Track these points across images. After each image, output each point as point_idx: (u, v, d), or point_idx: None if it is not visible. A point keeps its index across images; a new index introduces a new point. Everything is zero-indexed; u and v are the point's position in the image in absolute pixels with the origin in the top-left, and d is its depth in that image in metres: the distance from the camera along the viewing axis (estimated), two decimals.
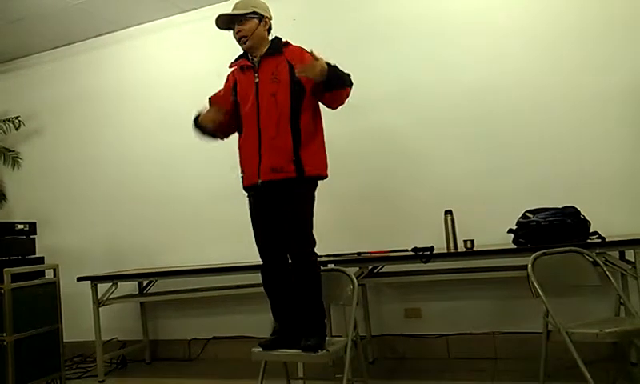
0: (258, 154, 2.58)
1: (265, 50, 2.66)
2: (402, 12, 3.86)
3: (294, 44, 2.70)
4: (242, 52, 2.74)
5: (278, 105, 2.55)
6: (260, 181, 2.57)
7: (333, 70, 2.48)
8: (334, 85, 2.51)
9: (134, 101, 4.65)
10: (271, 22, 2.73)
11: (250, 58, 2.70)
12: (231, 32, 2.71)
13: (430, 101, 3.74)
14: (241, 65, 2.71)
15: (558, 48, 3.47)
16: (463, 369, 3.37)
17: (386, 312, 3.79)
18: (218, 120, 2.68)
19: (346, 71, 2.56)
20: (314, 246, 2.58)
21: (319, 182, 2.66)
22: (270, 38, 2.72)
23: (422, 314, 3.70)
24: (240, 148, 2.71)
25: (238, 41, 2.68)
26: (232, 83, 2.76)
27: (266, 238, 2.64)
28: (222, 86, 2.84)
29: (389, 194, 3.76)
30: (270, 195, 2.59)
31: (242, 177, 2.70)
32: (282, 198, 2.56)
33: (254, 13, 2.65)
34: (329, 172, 2.68)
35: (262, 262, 2.67)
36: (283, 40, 2.71)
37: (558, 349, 2.45)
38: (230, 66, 2.78)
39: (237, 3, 2.69)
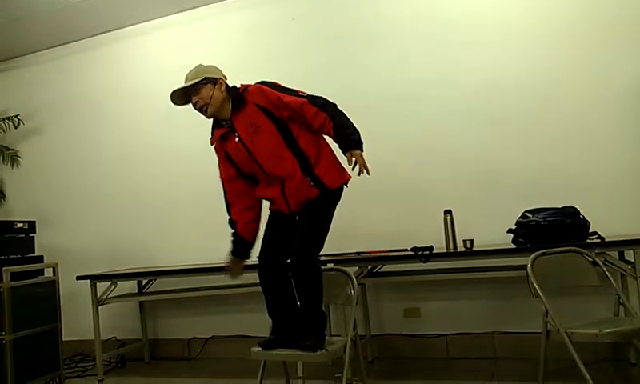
0: (283, 198, 2.63)
1: (230, 107, 2.62)
2: (404, 12, 3.85)
3: (250, 84, 2.65)
4: (213, 119, 2.71)
5: (272, 148, 2.57)
6: (292, 212, 2.65)
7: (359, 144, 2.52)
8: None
9: (133, 100, 4.64)
10: (226, 81, 2.66)
11: (222, 122, 2.68)
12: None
13: (431, 101, 3.73)
14: (221, 135, 2.67)
15: (560, 49, 3.47)
16: (462, 369, 3.37)
17: (386, 311, 3.79)
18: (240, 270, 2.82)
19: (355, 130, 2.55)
20: (319, 250, 2.60)
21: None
22: (228, 91, 2.64)
23: (421, 313, 3.70)
24: (261, 192, 2.72)
25: (200, 111, 2.64)
26: (224, 154, 2.71)
27: (276, 238, 2.66)
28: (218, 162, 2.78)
29: (388, 194, 3.75)
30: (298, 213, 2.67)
31: (270, 202, 2.75)
32: (307, 209, 2.61)
33: (206, 79, 2.60)
34: None
35: (258, 261, 2.67)
36: (238, 86, 2.66)
37: (558, 349, 2.45)
38: (212, 143, 2.74)
39: (187, 76, 2.65)
